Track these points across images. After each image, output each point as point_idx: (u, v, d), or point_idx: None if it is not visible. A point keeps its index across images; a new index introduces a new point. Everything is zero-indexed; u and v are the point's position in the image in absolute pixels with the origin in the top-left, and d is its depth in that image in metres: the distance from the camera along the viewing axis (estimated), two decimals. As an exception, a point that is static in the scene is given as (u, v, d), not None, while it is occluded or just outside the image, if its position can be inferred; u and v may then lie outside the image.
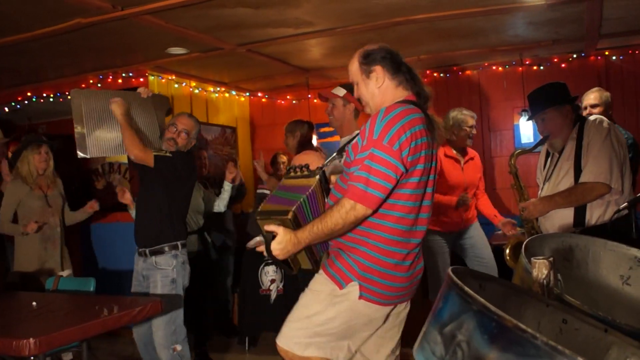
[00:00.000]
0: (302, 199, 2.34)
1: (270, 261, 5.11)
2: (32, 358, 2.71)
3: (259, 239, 5.22)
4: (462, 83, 6.42)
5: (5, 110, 6.81)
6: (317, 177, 2.48)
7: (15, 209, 4.48)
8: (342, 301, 2.34)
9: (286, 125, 5.07)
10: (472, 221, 4.92)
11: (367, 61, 2.49)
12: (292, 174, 2.54)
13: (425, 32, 5.00)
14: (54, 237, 4.51)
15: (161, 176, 3.75)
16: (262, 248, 2.32)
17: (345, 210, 2.20)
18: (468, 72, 6.39)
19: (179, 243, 3.83)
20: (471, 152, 4.98)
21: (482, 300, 1.16)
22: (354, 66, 2.53)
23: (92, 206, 4.94)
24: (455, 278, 1.29)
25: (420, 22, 4.64)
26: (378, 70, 2.47)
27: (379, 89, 2.48)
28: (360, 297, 2.32)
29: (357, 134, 2.42)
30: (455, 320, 1.22)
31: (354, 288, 2.32)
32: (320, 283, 2.42)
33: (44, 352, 2.51)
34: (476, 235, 4.93)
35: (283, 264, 2.38)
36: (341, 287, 2.34)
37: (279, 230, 2.22)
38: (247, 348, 5.28)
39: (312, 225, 2.24)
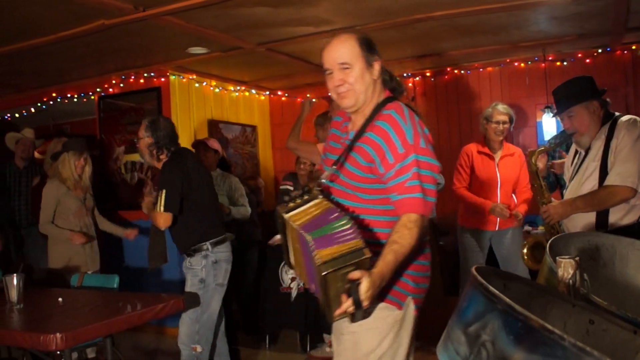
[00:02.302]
0: (350, 224, 1.91)
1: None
2: (58, 352, 2.75)
3: (279, 236, 5.24)
4: (483, 80, 6.37)
5: (31, 110, 6.91)
6: (320, 196, 2.08)
7: (55, 209, 4.56)
8: (404, 321, 2.16)
9: (315, 118, 5.07)
10: (510, 224, 4.77)
11: (370, 49, 2.20)
12: (294, 203, 2.06)
13: (446, 29, 4.97)
14: (91, 237, 4.60)
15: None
16: (345, 306, 1.84)
17: (416, 227, 2.02)
18: (489, 68, 6.33)
19: (207, 243, 3.82)
20: (510, 148, 4.88)
21: (507, 299, 1.15)
22: (354, 48, 2.17)
23: (129, 235, 5.05)
24: (479, 277, 1.27)
25: (441, 19, 4.61)
26: (378, 62, 2.22)
27: (374, 82, 2.23)
28: (415, 310, 2.18)
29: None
30: (480, 320, 1.21)
31: (410, 303, 2.17)
32: (378, 317, 2.12)
33: (70, 346, 2.55)
34: (510, 246, 4.77)
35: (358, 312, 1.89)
36: (400, 307, 2.16)
37: (365, 277, 1.83)
38: (267, 345, 5.29)
39: (388, 257, 1.94)
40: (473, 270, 1.34)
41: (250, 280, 5.69)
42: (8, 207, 5.54)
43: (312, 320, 4.99)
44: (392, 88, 2.31)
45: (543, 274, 1.83)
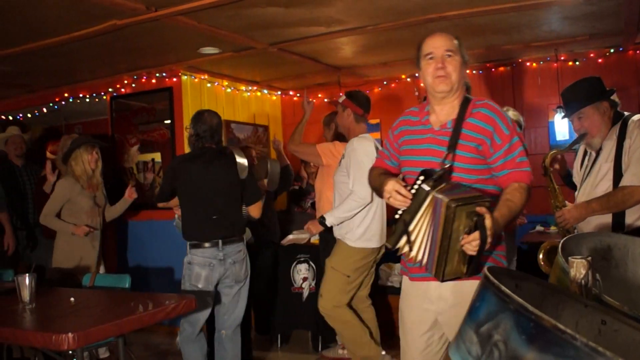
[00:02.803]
0: (472, 188, 2.23)
1: (302, 259, 5.12)
2: (70, 352, 2.76)
3: (291, 237, 5.23)
4: (495, 80, 6.34)
5: (43, 111, 6.96)
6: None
7: (62, 205, 4.55)
8: None
9: (324, 118, 5.11)
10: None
11: (463, 50, 2.44)
12: (432, 182, 2.20)
13: (458, 29, 4.94)
14: (97, 237, 4.59)
15: None
16: (471, 239, 2.05)
17: (525, 192, 2.27)
18: (501, 68, 6.31)
19: (187, 244, 3.97)
20: None
21: (519, 299, 1.14)
22: (454, 42, 2.41)
23: (131, 194, 4.99)
24: (491, 277, 1.27)
25: (453, 19, 4.60)
26: (467, 65, 2.47)
27: (463, 79, 2.45)
28: None
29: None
30: (492, 319, 1.21)
31: None
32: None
33: (82, 346, 2.55)
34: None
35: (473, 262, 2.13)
36: None
37: (488, 213, 2.06)
38: (279, 345, 5.30)
39: (503, 209, 2.18)
40: (485, 269, 1.34)
41: (263, 280, 5.70)
42: (19, 208, 5.55)
43: (324, 321, 4.99)
44: (468, 86, 2.56)
45: (555, 274, 1.82)
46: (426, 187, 2.15)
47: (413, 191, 2.20)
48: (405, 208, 2.22)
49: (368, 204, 4.08)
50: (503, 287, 1.21)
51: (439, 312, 2.42)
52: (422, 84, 6.65)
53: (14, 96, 6.93)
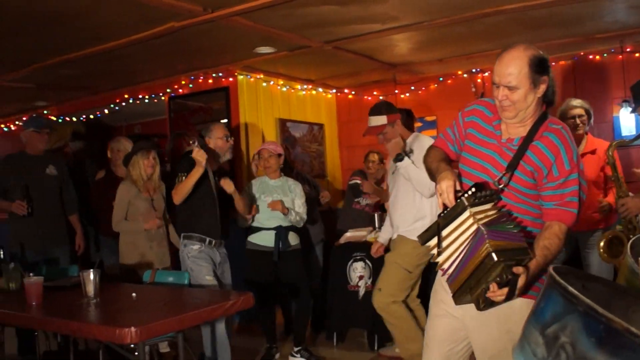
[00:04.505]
0: (518, 229, 2.13)
1: (359, 257, 5.11)
2: (132, 346, 2.82)
3: (348, 234, 5.21)
4: (555, 74, 6.14)
5: (104, 112, 7.15)
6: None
7: (126, 209, 4.69)
8: None
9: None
10: (598, 225, 4.31)
11: (540, 69, 2.24)
12: (478, 200, 2.17)
13: (516, 23, 4.85)
14: (159, 237, 4.68)
15: None
16: (498, 293, 2.03)
17: (564, 238, 2.19)
18: (562, 62, 6.15)
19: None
20: (593, 143, 4.44)
21: (588, 301, 1.11)
22: (523, 70, 2.21)
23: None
24: (557, 277, 1.23)
25: (510, 13, 4.51)
26: (545, 81, 2.27)
27: (536, 100, 2.28)
28: None
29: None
30: (559, 321, 1.17)
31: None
32: (523, 309, 2.12)
33: (144, 340, 2.60)
34: (596, 253, 4.27)
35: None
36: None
37: (524, 274, 2.01)
38: (335, 343, 5.30)
39: (540, 259, 2.11)
40: (551, 269, 1.30)
41: (317, 278, 5.72)
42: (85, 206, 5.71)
43: (380, 319, 4.96)
44: (550, 101, 2.36)
45: (623, 275, 1.76)
46: (465, 202, 2.11)
47: (458, 199, 2.16)
48: (443, 211, 2.19)
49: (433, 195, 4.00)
50: (570, 288, 1.18)
51: (471, 315, 2.31)
52: (478, 80, 6.53)
53: (77, 98, 7.15)
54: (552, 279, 1.24)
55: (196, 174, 4.11)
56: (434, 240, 2.21)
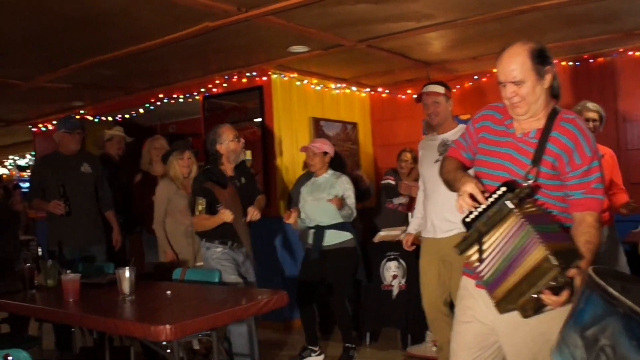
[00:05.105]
0: (560, 229, 2.15)
1: (392, 256, 5.09)
2: (164, 343, 2.85)
3: (382, 234, 5.18)
4: (594, 71, 6.06)
5: (139, 111, 7.25)
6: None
7: (166, 206, 4.76)
8: None
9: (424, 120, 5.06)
10: (605, 224, 4.36)
11: (541, 60, 2.26)
12: (517, 198, 2.12)
13: (552, 19, 4.77)
14: (192, 234, 4.74)
15: None
16: (555, 299, 1.97)
17: (600, 225, 2.22)
18: (600, 59, 6.03)
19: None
20: (600, 149, 4.54)
21: (629, 302, 1.08)
22: (525, 63, 2.24)
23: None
24: (597, 278, 1.21)
25: (546, 9, 4.43)
26: (549, 71, 2.28)
27: (546, 90, 2.28)
28: None
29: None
30: (598, 323, 1.15)
31: None
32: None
33: (178, 337, 2.63)
34: (610, 244, 4.44)
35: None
36: None
37: (579, 277, 1.98)
38: (367, 342, 5.29)
39: (588, 256, 2.08)
40: (590, 270, 1.27)
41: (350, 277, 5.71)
42: (120, 205, 5.78)
43: (413, 319, 4.94)
44: (556, 95, 2.36)
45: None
46: (510, 205, 2.06)
47: (491, 200, 2.11)
48: (478, 214, 2.13)
49: None
50: (610, 289, 1.15)
51: (503, 320, 2.24)
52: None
53: (113, 98, 7.26)
54: (591, 279, 1.22)
55: (218, 220, 4.20)
56: (474, 248, 2.15)
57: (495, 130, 2.41)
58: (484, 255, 2.12)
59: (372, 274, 5.17)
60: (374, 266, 5.19)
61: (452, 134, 4.04)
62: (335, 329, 5.61)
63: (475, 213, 2.14)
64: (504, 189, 2.09)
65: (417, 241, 4.56)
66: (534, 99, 2.25)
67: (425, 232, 4.17)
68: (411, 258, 4.98)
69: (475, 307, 2.37)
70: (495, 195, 2.11)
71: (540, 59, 2.25)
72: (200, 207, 4.19)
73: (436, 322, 4.16)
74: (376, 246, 5.18)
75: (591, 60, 6.04)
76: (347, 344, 4.85)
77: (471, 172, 2.51)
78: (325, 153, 4.89)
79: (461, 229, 3.85)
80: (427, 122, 4.90)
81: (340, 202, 4.65)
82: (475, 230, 2.13)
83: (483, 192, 2.17)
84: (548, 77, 2.27)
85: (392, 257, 5.09)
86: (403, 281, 5.04)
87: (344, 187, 4.85)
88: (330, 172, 4.93)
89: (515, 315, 2.10)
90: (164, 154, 4.95)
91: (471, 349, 2.41)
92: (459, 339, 2.47)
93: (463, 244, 2.17)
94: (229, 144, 4.36)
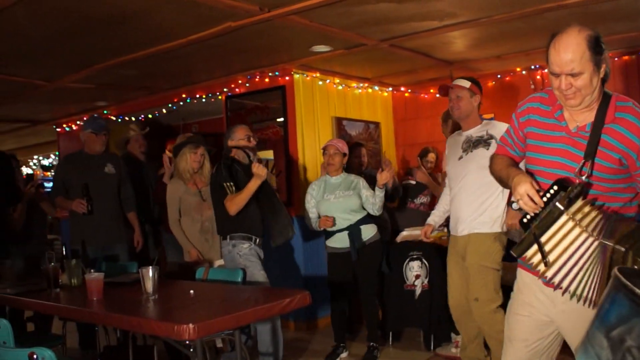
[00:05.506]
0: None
1: (415, 256, 5.07)
2: (187, 342, 2.86)
3: (405, 233, 5.16)
4: (619, 70, 5.97)
5: (162, 111, 7.30)
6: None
7: (179, 207, 4.78)
8: None
9: (441, 115, 5.03)
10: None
11: (599, 49, 2.11)
12: (573, 199, 2.08)
13: (578, 18, 4.68)
14: (213, 229, 4.75)
15: None
16: None
17: None
18: (625, 57, 5.94)
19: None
20: None
21: (656, 303, 1.06)
22: (585, 54, 2.08)
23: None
24: (623, 279, 1.19)
25: (572, 7, 4.38)
26: (606, 60, 2.13)
27: (600, 81, 2.15)
28: None
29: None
30: (625, 323, 1.13)
31: None
32: None
33: (202, 337, 2.64)
34: None
35: None
36: None
37: None
38: (390, 342, 5.27)
39: None
40: (616, 270, 1.26)
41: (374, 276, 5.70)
42: (143, 204, 5.81)
43: (437, 319, 4.92)
44: (606, 80, 2.23)
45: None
46: (560, 207, 2.02)
47: (544, 199, 2.07)
48: (532, 216, 2.10)
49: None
50: (637, 290, 1.13)
51: (565, 313, 2.23)
52: (538, 77, 6.37)
53: (136, 98, 7.33)
54: (618, 280, 1.20)
55: (253, 186, 4.15)
56: (531, 251, 2.10)
57: (545, 124, 2.31)
58: (552, 262, 2.07)
59: (391, 265, 5.16)
60: (396, 266, 5.17)
61: (476, 131, 4.02)
62: (357, 329, 5.61)
63: (531, 214, 2.11)
64: (556, 187, 2.06)
65: (440, 241, 4.54)
66: (590, 91, 2.13)
67: (451, 230, 4.14)
68: (434, 258, 4.96)
69: (536, 304, 2.33)
70: (547, 195, 2.07)
71: (598, 47, 2.11)
72: (232, 189, 4.22)
73: (462, 320, 4.13)
74: (399, 246, 5.17)
75: (617, 59, 5.96)
76: (371, 343, 4.84)
77: (522, 165, 2.47)
78: (345, 155, 4.91)
79: (478, 229, 3.79)
80: (445, 114, 4.90)
81: (330, 222, 4.74)
82: (531, 233, 2.09)
83: (538, 192, 2.11)
84: (604, 67, 2.14)
85: (414, 257, 5.08)
86: (426, 281, 5.02)
87: (364, 184, 4.87)
88: (344, 173, 4.94)
89: (577, 306, 2.06)
90: (176, 145, 4.94)
91: (527, 339, 2.39)
92: (516, 328, 2.43)
93: (519, 248, 2.13)
94: (239, 142, 4.44)
